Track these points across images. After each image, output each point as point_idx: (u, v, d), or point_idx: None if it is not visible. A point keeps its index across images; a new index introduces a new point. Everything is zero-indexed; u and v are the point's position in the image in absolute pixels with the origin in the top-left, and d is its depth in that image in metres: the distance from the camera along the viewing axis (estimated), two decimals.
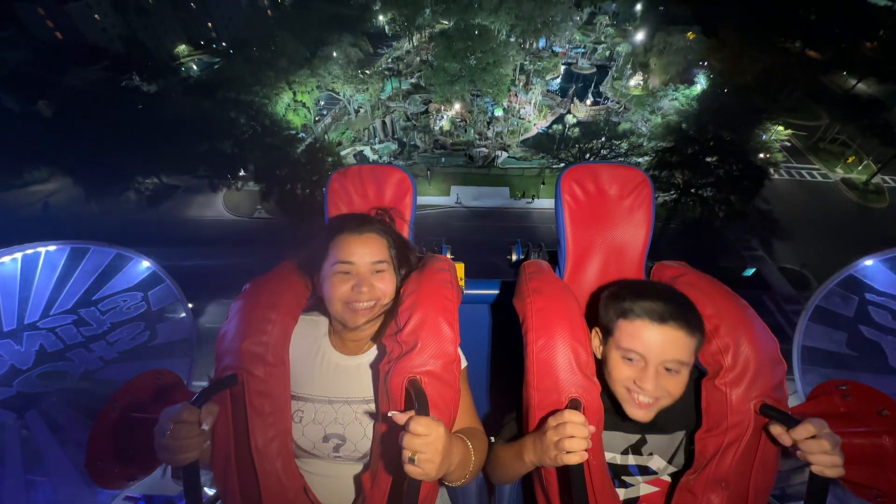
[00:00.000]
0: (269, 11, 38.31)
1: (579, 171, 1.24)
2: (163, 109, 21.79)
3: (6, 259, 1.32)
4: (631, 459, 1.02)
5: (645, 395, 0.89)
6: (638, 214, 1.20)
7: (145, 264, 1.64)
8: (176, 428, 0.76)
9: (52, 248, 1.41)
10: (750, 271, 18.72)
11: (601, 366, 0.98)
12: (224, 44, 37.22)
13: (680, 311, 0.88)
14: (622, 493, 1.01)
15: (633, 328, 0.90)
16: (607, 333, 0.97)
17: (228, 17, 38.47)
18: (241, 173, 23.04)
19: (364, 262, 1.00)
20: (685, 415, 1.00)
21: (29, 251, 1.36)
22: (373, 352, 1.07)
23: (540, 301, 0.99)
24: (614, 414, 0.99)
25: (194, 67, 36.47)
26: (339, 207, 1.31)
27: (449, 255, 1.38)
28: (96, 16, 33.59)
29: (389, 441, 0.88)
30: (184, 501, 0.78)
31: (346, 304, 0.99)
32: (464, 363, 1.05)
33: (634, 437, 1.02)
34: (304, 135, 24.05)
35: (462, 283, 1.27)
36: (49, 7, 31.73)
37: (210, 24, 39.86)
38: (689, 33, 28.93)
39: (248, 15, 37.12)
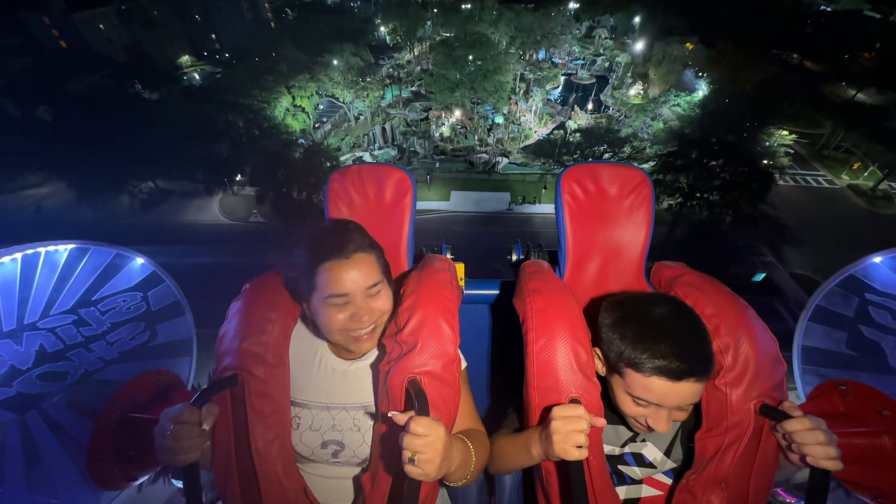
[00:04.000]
0: (272, 24, 39.06)
1: (579, 170, 1.23)
2: (162, 115, 21.71)
3: (6, 259, 1.29)
4: (626, 448, 1.02)
5: (657, 431, 0.89)
6: (638, 214, 1.20)
7: (145, 264, 1.61)
8: (176, 428, 0.76)
9: (51, 248, 1.39)
10: (760, 276, 18.28)
11: (603, 381, 0.97)
12: (227, 55, 37.65)
13: (697, 366, 0.81)
14: (622, 491, 1.00)
15: (647, 382, 0.84)
16: (614, 370, 0.93)
17: (232, 28, 39.10)
18: (238, 177, 22.83)
19: (359, 289, 0.93)
20: None
21: (29, 251, 1.34)
22: (371, 355, 1.04)
23: (540, 301, 0.98)
24: (610, 409, 0.97)
25: (196, 77, 36.73)
26: (339, 207, 1.28)
27: (449, 256, 1.35)
28: (101, 26, 34.09)
29: (389, 441, 0.89)
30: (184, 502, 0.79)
31: (347, 333, 0.94)
32: (463, 364, 1.03)
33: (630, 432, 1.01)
34: (302, 140, 23.86)
35: (462, 283, 1.27)
36: (55, 16, 32.24)
37: (214, 36, 40.40)
38: (687, 43, 29.23)
39: (251, 27, 37.78)
